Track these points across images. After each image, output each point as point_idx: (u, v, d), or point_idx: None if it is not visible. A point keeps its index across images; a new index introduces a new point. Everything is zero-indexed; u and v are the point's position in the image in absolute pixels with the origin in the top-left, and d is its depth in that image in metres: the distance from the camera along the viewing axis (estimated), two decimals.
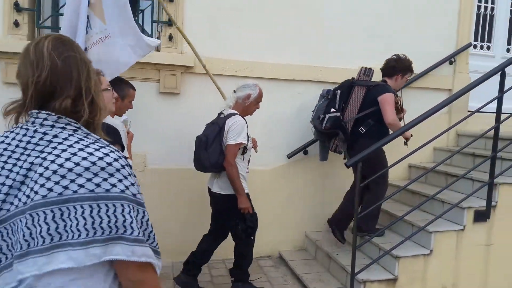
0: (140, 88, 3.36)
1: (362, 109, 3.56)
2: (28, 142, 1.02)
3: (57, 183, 0.95)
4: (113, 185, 0.99)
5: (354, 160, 3.05)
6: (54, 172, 0.96)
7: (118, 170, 1.01)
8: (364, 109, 3.54)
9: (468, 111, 4.54)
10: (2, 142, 1.05)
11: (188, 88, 3.99)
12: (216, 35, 4.01)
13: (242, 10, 4.06)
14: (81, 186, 0.96)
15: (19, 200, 0.98)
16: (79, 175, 0.96)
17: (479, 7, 4.92)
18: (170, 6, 3.87)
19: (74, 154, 0.98)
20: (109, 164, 1.00)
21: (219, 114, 3.21)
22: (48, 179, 0.95)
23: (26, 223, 0.95)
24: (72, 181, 0.96)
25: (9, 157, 1.01)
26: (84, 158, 0.98)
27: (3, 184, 0.99)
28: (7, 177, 1.00)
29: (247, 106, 3.16)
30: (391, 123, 3.38)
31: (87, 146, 1.01)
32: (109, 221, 0.97)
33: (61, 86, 1.04)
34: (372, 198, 3.48)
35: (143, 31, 4.03)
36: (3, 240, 0.99)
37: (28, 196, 0.96)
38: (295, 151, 4.18)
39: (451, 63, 4.66)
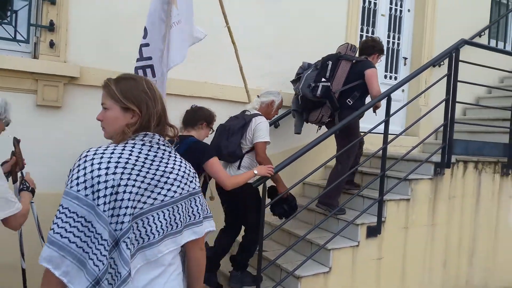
0: (13, 101, 2.88)
1: (346, 82, 3.74)
2: (155, 156, 1.39)
3: (181, 185, 1.43)
4: (196, 184, 1.50)
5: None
6: (182, 177, 1.44)
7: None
8: (349, 83, 3.73)
9: None
10: (123, 153, 1.33)
11: (72, 102, 3.58)
12: (106, 45, 3.70)
13: (136, 20, 3.80)
14: (189, 186, 1.46)
15: (154, 199, 1.35)
16: (187, 179, 1.46)
17: (361, 36, 5.42)
18: (52, 9, 3.48)
19: (185, 165, 1.48)
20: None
21: (244, 111, 3.49)
22: (180, 181, 1.42)
23: (164, 215, 1.37)
24: (186, 183, 1.44)
25: (142, 166, 1.34)
26: (186, 167, 1.48)
27: (139, 187, 1.31)
28: (142, 181, 1.32)
29: (270, 110, 3.56)
30: (376, 95, 3.65)
31: (181, 159, 1.50)
32: (201, 207, 1.52)
33: (164, 116, 1.48)
34: (341, 171, 3.71)
35: (15, 35, 3.52)
36: (138, 230, 1.32)
37: (165, 195, 1.37)
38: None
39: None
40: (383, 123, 3.68)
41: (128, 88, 1.41)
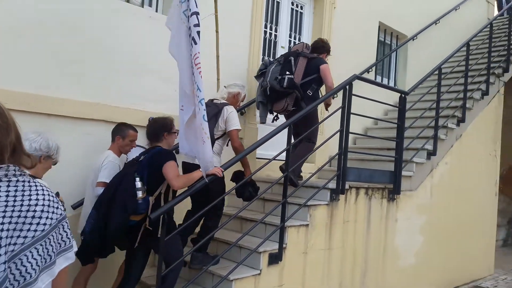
0: None
1: (304, 76, 4.44)
2: (16, 190, 1.29)
3: (49, 215, 1.34)
4: (61, 208, 1.43)
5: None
6: (48, 206, 1.35)
7: None
8: (306, 76, 4.44)
9: (256, 157, 5.01)
10: None
11: None
12: None
13: (19, 33, 3.52)
14: (56, 213, 1.38)
15: (25, 237, 1.26)
16: (53, 207, 1.37)
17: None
18: None
19: (47, 192, 1.39)
20: None
21: (212, 100, 3.91)
22: (48, 212, 1.33)
23: (38, 251, 1.29)
24: (53, 212, 1.36)
25: (6, 206, 1.25)
26: (49, 194, 1.40)
27: (8, 230, 1.23)
28: (9, 222, 1.24)
29: (235, 101, 4.06)
30: (331, 86, 4.43)
31: (44, 187, 1.41)
32: (70, 232, 1.44)
33: (20, 145, 1.36)
34: (310, 147, 4.44)
35: None
36: (12, 273, 1.23)
37: (35, 231, 1.29)
38: None
39: (242, 113, 5.10)
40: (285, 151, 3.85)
41: None
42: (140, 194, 3.05)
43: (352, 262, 4.64)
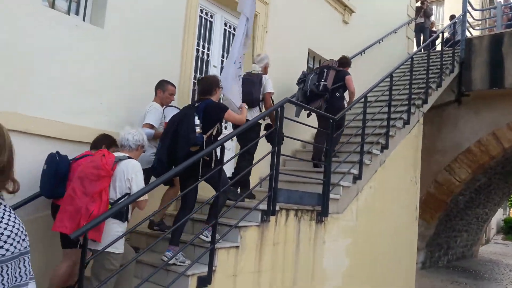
0: None
1: (333, 83, 6.40)
2: None
3: (14, 243, 1.41)
4: (27, 243, 1.50)
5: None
6: (16, 235, 1.43)
7: None
8: (334, 84, 6.42)
9: None
10: None
11: None
12: None
13: None
14: (21, 244, 1.45)
15: None
16: (20, 237, 1.44)
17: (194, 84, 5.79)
18: None
19: (18, 222, 1.46)
20: None
21: (250, 72, 5.38)
22: (13, 240, 1.40)
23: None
24: (19, 242, 1.44)
25: None
26: (20, 224, 1.46)
27: None
28: None
29: (266, 70, 5.54)
30: (353, 92, 6.53)
31: (12, 215, 1.47)
32: (28, 268, 1.51)
33: (10, 168, 1.43)
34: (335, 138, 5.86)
35: None
36: None
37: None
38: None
39: None
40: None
41: None
42: (198, 129, 3.88)
43: (281, 285, 4.79)
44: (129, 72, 4.86)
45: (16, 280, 1.45)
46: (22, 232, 1.45)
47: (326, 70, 6.38)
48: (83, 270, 2.99)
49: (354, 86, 6.51)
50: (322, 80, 6.26)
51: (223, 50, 6.41)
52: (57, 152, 3.79)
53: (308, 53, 7.85)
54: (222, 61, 6.33)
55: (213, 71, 6.18)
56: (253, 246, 4.41)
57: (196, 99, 4.47)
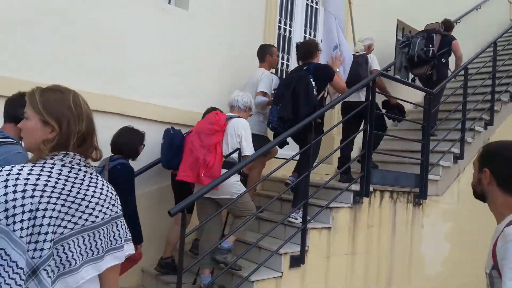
0: None
1: (439, 49, 6.23)
2: (76, 178, 1.39)
3: (103, 210, 1.45)
4: (118, 208, 1.53)
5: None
6: (104, 201, 1.45)
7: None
8: (440, 49, 6.23)
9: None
10: (41, 174, 1.32)
11: None
12: None
13: (29, 24, 3.59)
14: (111, 210, 1.48)
15: (75, 223, 1.36)
16: (109, 203, 1.48)
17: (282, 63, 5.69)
18: None
19: (106, 188, 1.49)
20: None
21: (355, 53, 5.29)
22: (102, 206, 1.44)
23: (84, 240, 1.39)
24: (108, 207, 1.47)
25: (63, 189, 1.34)
26: (108, 190, 1.50)
27: (60, 211, 1.31)
28: (62, 205, 1.32)
29: (370, 51, 5.55)
30: (460, 57, 6.31)
31: (104, 182, 1.51)
32: (123, 231, 1.54)
33: (90, 136, 1.46)
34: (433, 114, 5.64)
35: None
36: (58, 255, 1.32)
37: (86, 220, 1.38)
38: None
39: None
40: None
41: (51, 101, 1.40)
42: (314, 91, 3.97)
43: (376, 269, 4.57)
44: (212, 53, 4.88)
45: (111, 244, 1.48)
46: (111, 197, 1.49)
47: (434, 35, 6.23)
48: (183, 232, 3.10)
49: (461, 52, 6.32)
50: (431, 46, 6.11)
51: (306, 26, 6.22)
52: (172, 127, 4.01)
53: (397, 24, 7.37)
54: (305, 37, 6.16)
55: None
56: (345, 227, 4.24)
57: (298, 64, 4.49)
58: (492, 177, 1.60)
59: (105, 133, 3.73)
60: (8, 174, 1.27)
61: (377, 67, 5.22)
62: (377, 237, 4.57)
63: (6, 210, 1.21)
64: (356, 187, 4.34)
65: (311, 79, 3.99)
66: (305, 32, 6.19)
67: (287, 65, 5.91)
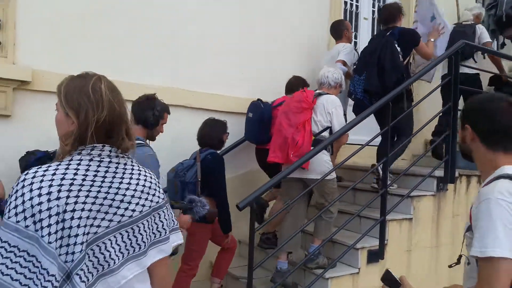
0: None
1: None
2: (107, 171, 1.28)
3: (140, 202, 1.34)
4: (159, 197, 1.42)
5: None
6: (141, 192, 1.34)
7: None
8: None
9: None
10: (67, 173, 1.22)
11: (23, 110, 3.24)
12: (61, 45, 3.46)
13: (94, 18, 3.56)
14: (151, 201, 1.37)
15: (110, 220, 1.27)
16: (147, 193, 1.37)
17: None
18: None
19: (144, 177, 1.37)
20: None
21: (459, 24, 5.00)
22: (139, 198, 1.34)
23: (123, 237, 1.30)
24: (147, 199, 1.36)
25: (92, 185, 1.24)
26: (146, 180, 1.38)
27: (90, 210, 1.22)
28: (93, 203, 1.23)
29: (478, 20, 5.11)
30: None
31: (142, 171, 1.40)
32: (167, 222, 1.44)
33: (118, 125, 1.31)
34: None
35: None
36: (95, 256, 1.24)
37: (122, 215, 1.29)
38: None
39: None
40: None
41: (71, 90, 1.30)
42: (400, 57, 3.78)
43: (463, 262, 4.16)
44: (276, 38, 4.66)
45: (154, 237, 1.39)
46: (149, 187, 1.37)
47: None
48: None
49: None
50: None
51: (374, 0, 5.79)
52: (260, 100, 3.92)
53: None
54: (373, 12, 5.75)
55: (364, 24, 5.65)
56: (428, 218, 3.89)
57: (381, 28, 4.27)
58: (474, 133, 1.55)
59: (172, 126, 3.71)
60: (33, 177, 1.19)
61: (488, 39, 4.86)
62: (464, 227, 4.15)
63: (33, 215, 1.15)
64: (439, 172, 3.95)
65: (396, 45, 3.79)
66: (373, 6, 5.76)
67: (355, 43, 5.53)
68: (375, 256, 3.47)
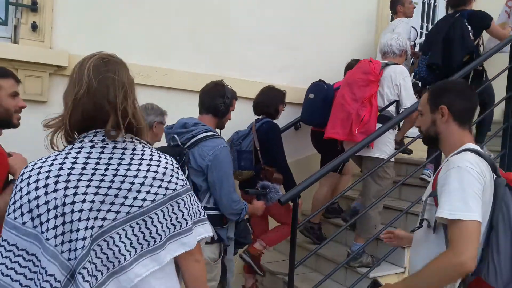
0: None
1: None
2: (111, 158, 1.16)
3: (152, 190, 1.19)
4: (178, 183, 1.26)
5: None
6: (153, 179, 1.19)
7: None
8: None
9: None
10: (64, 163, 1.12)
11: (58, 96, 3.16)
12: (98, 29, 3.39)
13: (129, 2, 3.48)
14: (167, 188, 1.22)
15: (117, 212, 1.13)
16: (161, 180, 1.21)
17: None
18: None
19: (157, 162, 1.23)
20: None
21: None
22: (151, 186, 1.18)
23: (134, 230, 1.16)
24: (160, 186, 1.20)
25: (93, 174, 1.11)
26: (159, 165, 1.23)
27: (93, 201, 1.10)
28: (95, 193, 1.10)
29: None
30: None
31: (155, 155, 1.25)
32: (189, 211, 1.28)
33: (99, 105, 1.16)
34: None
35: None
36: (103, 252, 1.11)
37: (130, 206, 1.15)
38: None
39: None
40: None
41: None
42: (470, 35, 3.62)
43: None
44: (323, 22, 4.44)
45: (174, 228, 1.23)
46: (164, 173, 1.22)
47: None
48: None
49: None
50: None
51: None
52: (322, 81, 3.76)
53: None
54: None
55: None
56: None
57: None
58: (449, 113, 1.64)
59: None
60: (31, 170, 1.12)
61: None
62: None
63: (31, 210, 1.07)
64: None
65: (466, 23, 3.62)
66: None
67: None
68: None
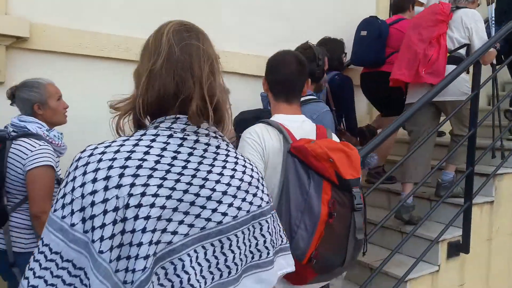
0: None
1: None
2: (191, 154, 0.89)
3: (235, 203, 0.92)
4: (263, 199, 1.00)
5: None
6: (238, 188, 0.93)
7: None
8: None
9: None
10: (134, 151, 0.84)
11: (19, 74, 2.56)
12: None
13: None
14: (251, 203, 0.95)
15: (190, 226, 0.86)
16: (246, 191, 0.95)
17: None
18: None
19: (243, 167, 0.97)
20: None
21: None
22: (234, 197, 0.92)
23: (207, 253, 0.88)
24: (245, 200, 0.94)
25: (168, 171, 0.85)
26: (245, 171, 0.98)
27: (164, 207, 0.82)
28: (168, 197, 0.83)
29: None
30: None
31: (240, 158, 1.00)
32: (272, 237, 1.00)
33: (180, 78, 0.90)
34: None
35: None
36: (167, 279, 0.83)
37: (208, 220, 0.88)
38: None
39: None
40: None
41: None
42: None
43: None
44: None
45: (252, 258, 0.96)
46: (249, 183, 0.96)
47: None
48: None
49: None
50: None
51: None
52: (375, 16, 3.58)
53: None
54: None
55: None
56: (509, 199, 3.31)
57: None
58: (266, 83, 1.71)
59: None
60: (90, 155, 0.83)
61: None
62: None
63: (83, 209, 0.79)
64: None
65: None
66: None
67: None
68: (456, 249, 2.91)
